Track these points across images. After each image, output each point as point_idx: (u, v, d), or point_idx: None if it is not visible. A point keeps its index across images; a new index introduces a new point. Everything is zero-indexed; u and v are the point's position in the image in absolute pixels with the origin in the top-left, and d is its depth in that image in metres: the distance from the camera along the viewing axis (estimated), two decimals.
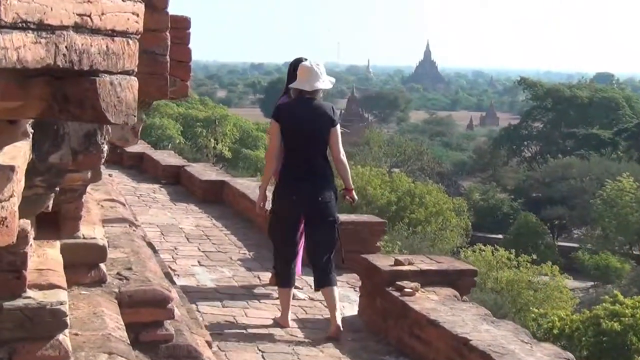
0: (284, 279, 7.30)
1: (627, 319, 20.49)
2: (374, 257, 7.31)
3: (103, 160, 3.13)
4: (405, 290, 6.62)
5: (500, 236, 50.89)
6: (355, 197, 7.61)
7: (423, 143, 74.78)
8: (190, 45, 5.68)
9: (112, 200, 6.93)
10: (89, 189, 7.23)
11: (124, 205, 7.11)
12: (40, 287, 3.08)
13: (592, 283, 44.64)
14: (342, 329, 6.93)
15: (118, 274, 4.40)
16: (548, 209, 55.78)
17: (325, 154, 7.16)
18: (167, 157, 16.08)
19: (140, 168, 16.29)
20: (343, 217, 9.28)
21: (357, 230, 8.96)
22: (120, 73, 2.18)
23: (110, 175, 11.71)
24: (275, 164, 7.24)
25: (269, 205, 7.54)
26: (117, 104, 2.06)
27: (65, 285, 3.23)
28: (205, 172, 13.93)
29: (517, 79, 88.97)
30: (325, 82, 7.22)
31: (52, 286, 3.11)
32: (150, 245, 7.29)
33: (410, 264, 7.06)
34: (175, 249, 9.43)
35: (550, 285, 36.03)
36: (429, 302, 6.49)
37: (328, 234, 7.19)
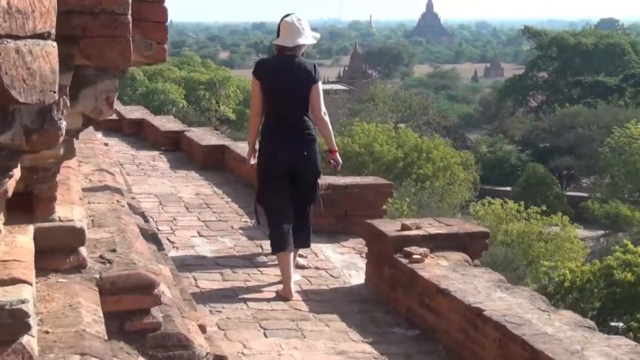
0: (277, 243, 7.00)
1: (639, 268, 20.21)
2: (379, 222, 6.95)
3: (62, 137, 2.76)
4: (414, 256, 6.27)
5: (508, 188, 50.57)
6: (339, 159, 7.30)
7: (428, 97, 74.23)
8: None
9: (102, 171, 6.58)
10: (76, 162, 6.90)
11: (114, 176, 6.75)
12: (1, 282, 2.73)
13: (603, 232, 44.37)
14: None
15: (101, 256, 4.05)
16: (556, 159, 55.57)
17: (307, 111, 6.96)
18: (167, 123, 15.68)
19: (141, 135, 15.95)
20: (347, 179, 8.95)
21: (362, 193, 8.62)
22: (31, 37, 1.80)
23: (106, 144, 11.36)
24: (257, 121, 7.14)
25: None
26: (27, 77, 1.68)
27: (31, 278, 2.87)
28: (205, 136, 13.53)
29: (521, 28, 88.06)
30: (307, 38, 7.03)
31: (15, 281, 2.75)
32: (143, 217, 6.95)
33: (418, 228, 6.70)
34: (174, 219, 9.07)
35: (560, 236, 35.93)
36: (439, 268, 6.13)
37: (312, 188, 7.14)
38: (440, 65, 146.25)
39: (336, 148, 7.18)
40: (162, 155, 13.59)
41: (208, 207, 9.80)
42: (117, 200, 5.46)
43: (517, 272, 32.66)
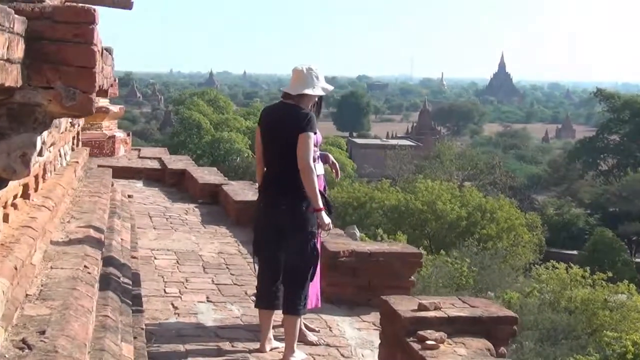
0: (258, 298, 6.68)
1: None
2: (395, 299, 6.18)
3: None
4: (427, 342, 5.50)
5: (575, 252, 49.53)
6: (325, 220, 6.46)
7: (496, 156, 73.07)
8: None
9: (90, 228, 5.98)
10: (69, 216, 6.33)
11: (102, 234, 6.14)
12: None
13: None
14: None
15: (23, 340, 3.41)
16: (625, 224, 54.12)
17: (295, 162, 6.32)
18: (207, 175, 15.12)
19: (182, 186, 15.47)
20: (373, 246, 8.23)
21: (388, 262, 7.87)
22: None
23: (130, 196, 10.83)
24: (260, 167, 6.78)
25: None
26: None
27: None
28: (242, 191, 12.92)
29: (594, 90, 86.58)
30: (315, 89, 6.51)
31: None
32: (134, 279, 6.32)
33: (437, 308, 5.93)
34: (187, 281, 8.42)
35: (627, 305, 34.75)
36: (454, 358, 5.36)
37: (298, 249, 6.42)
38: (510, 124, 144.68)
39: (320, 206, 6.37)
40: (196, 209, 13.04)
41: (227, 267, 9.16)
42: (85, 266, 4.83)
43: (579, 341, 31.44)
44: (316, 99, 6.66)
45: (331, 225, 6.53)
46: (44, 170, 6.15)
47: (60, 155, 7.70)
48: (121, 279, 5.97)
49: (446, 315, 5.85)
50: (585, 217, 58.54)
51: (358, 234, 19.73)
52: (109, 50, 6.05)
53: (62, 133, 7.12)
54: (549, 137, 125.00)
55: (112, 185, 9.99)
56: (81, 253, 5.11)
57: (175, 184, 15.67)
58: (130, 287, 6.04)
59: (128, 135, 19.96)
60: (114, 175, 16.50)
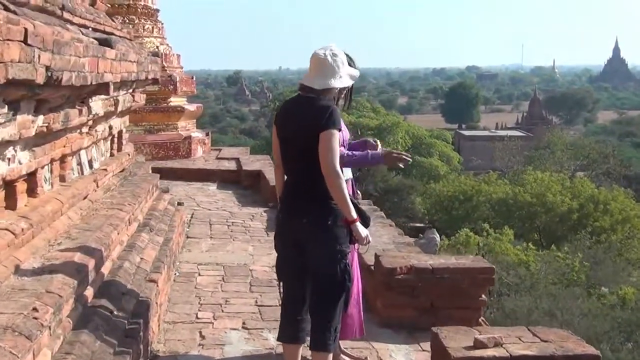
0: (280, 330, 5.61)
1: None
2: (447, 332, 5.01)
3: None
4: None
5: None
6: (362, 233, 5.27)
7: (610, 145, 70.40)
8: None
9: (76, 252, 5.01)
10: (64, 236, 5.38)
11: (92, 260, 5.15)
12: None
13: None
14: None
15: None
16: None
17: (316, 165, 5.16)
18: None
19: (257, 188, 14.54)
20: (436, 260, 7.05)
21: (454, 279, 6.68)
22: None
23: (180, 203, 9.91)
24: (279, 173, 5.66)
25: None
26: None
27: None
28: None
29: None
30: (340, 79, 5.34)
31: None
32: (129, 319, 5.33)
33: (497, 345, 4.76)
34: (226, 302, 7.36)
35: None
36: None
37: (325, 272, 5.28)
38: (626, 111, 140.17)
39: (354, 216, 5.21)
40: (265, 214, 12.07)
41: (277, 285, 8.11)
42: (34, 308, 3.85)
43: None
44: (342, 89, 5.55)
45: (370, 238, 5.33)
46: (32, 182, 5.22)
47: (79, 163, 6.79)
48: (115, 312, 4.98)
49: (508, 355, 4.67)
50: None
51: (438, 239, 18.53)
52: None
53: (73, 135, 6.21)
54: None
55: (154, 191, 9.05)
56: (41, 289, 4.13)
57: (250, 186, 14.79)
58: (126, 321, 5.04)
59: (207, 135, 19.11)
60: (188, 178, 15.82)
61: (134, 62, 7.13)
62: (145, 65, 7.95)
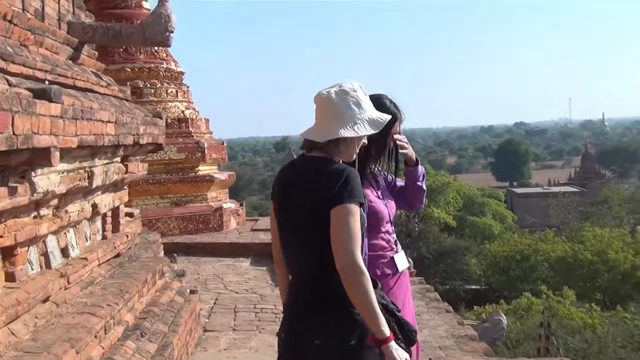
0: None
1: None
2: None
3: None
4: None
5: None
6: (399, 356, 3.46)
7: None
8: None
9: None
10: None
11: None
12: None
13: None
14: None
15: None
16: None
17: (328, 258, 3.44)
18: None
19: None
20: None
21: None
22: None
23: (192, 292, 8.34)
24: (280, 269, 3.95)
25: None
26: None
27: None
28: None
29: None
30: (349, 127, 3.60)
31: None
32: None
33: None
34: None
35: None
36: None
37: None
38: None
39: (385, 334, 3.42)
40: None
41: None
42: None
43: None
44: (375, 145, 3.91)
45: None
46: None
47: (44, 254, 5.24)
48: None
49: None
50: None
51: (505, 321, 16.67)
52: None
53: (19, 221, 4.67)
54: None
55: (158, 278, 7.45)
56: None
57: None
58: None
59: (241, 205, 17.59)
60: (220, 253, 14.29)
61: (108, 122, 5.57)
62: (132, 128, 6.40)
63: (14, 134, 3.78)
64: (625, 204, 60.85)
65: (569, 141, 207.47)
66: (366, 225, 3.82)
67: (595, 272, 41.61)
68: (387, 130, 4.20)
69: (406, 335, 3.63)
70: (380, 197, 4.37)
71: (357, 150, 3.71)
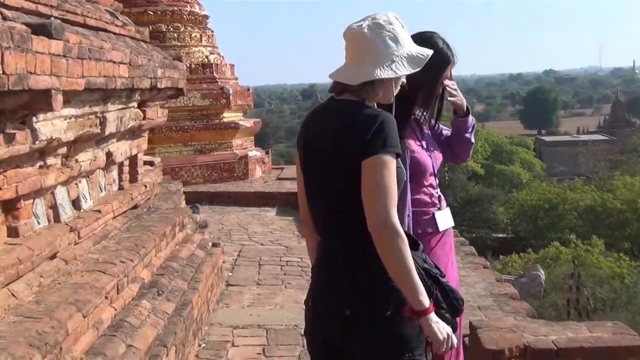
0: None
1: None
2: None
3: None
4: None
5: None
6: (439, 332, 3.00)
7: None
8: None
9: None
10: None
11: None
12: None
13: None
14: None
15: None
16: None
17: (357, 218, 2.98)
18: None
19: None
20: (563, 334, 4.86)
21: None
22: None
23: (215, 245, 7.93)
24: (309, 235, 3.43)
25: None
26: None
27: None
28: None
29: None
30: (387, 67, 3.08)
31: None
32: None
33: None
34: None
35: None
36: None
37: None
38: None
39: (424, 304, 2.96)
40: None
41: None
42: None
43: None
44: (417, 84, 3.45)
45: (454, 340, 3.06)
46: None
47: (52, 206, 4.83)
48: None
49: None
50: None
51: (542, 276, 16.16)
52: None
53: (20, 172, 4.25)
54: None
55: (179, 231, 7.03)
56: None
57: None
58: None
59: (267, 153, 17.12)
60: (244, 202, 13.89)
61: (121, 63, 5.10)
62: (148, 70, 5.93)
63: (4, 73, 3.32)
64: None
65: (599, 89, 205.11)
66: (407, 179, 3.37)
67: (625, 221, 41.34)
68: (438, 75, 3.75)
69: (452, 305, 3.18)
70: (424, 147, 3.91)
71: (395, 93, 3.23)
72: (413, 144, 3.84)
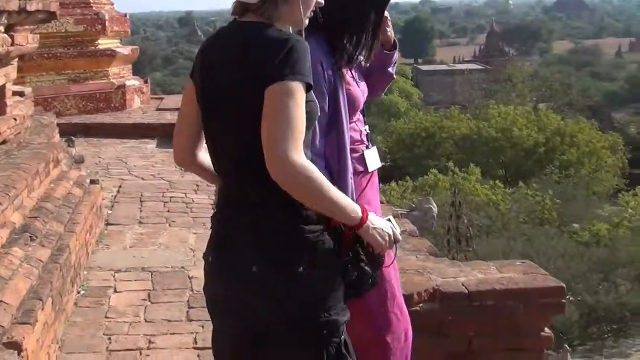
0: None
1: None
2: None
3: None
4: None
5: None
6: (381, 231, 2.70)
7: (571, 75, 69.22)
8: None
9: None
10: None
11: None
12: None
13: None
14: None
15: None
16: None
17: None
18: None
19: None
20: (472, 274, 4.58)
21: (502, 307, 4.26)
22: None
23: (93, 182, 7.39)
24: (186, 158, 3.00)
25: None
26: None
27: None
28: None
29: None
30: None
31: None
32: None
33: None
34: (150, 343, 4.89)
35: None
36: None
37: None
38: (581, 41, 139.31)
39: (358, 216, 2.63)
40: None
41: None
42: None
43: None
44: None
45: (397, 234, 2.79)
46: None
47: None
48: None
49: None
50: None
51: (435, 209, 16.09)
52: None
53: None
54: (622, 52, 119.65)
55: (53, 168, 6.48)
56: None
57: None
58: None
59: (145, 82, 16.43)
60: (122, 134, 13.29)
61: None
62: None
63: None
64: (528, 81, 61.52)
65: (474, 19, 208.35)
66: (344, 128, 3.02)
67: (499, 149, 42.67)
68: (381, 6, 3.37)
69: (372, 256, 2.81)
70: (355, 78, 3.51)
71: (309, 14, 2.80)
72: (345, 74, 3.43)
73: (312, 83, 2.57)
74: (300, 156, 2.48)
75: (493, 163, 42.78)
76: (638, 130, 57.44)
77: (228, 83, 2.63)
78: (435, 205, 16.21)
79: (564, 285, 4.37)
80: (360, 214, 2.64)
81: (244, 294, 2.69)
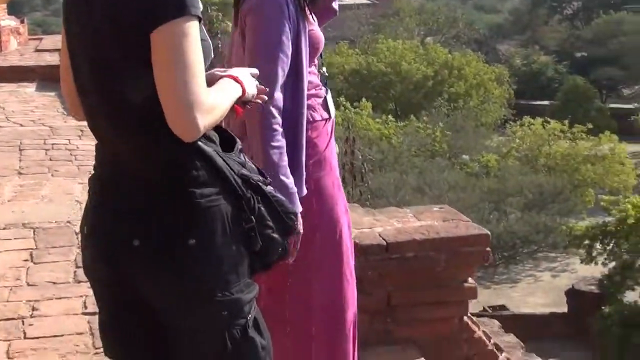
0: None
1: None
2: None
3: None
4: None
5: (546, 102, 49.18)
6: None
7: (457, 8, 70.14)
8: None
9: None
10: None
11: None
12: None
13: None
14: None
15: None
16: (597, 70, 53.65)
17: (148, 112, 2.10)
18: None
19: None
20: (390, 222, 4.21)
21: (423, 258, 3.91)
22: None
23: None
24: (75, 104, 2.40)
25: None
26: None
27: None
28: None
29: None
30: None
31: None
32: None
33: None
34: (33, 311, 4.41)
35: (609, 157, 34.16)
36: None
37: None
38: None
39: (239, 90, 2.28)
40: None
41: None
42: None
43: (567, 204, 30.16)
44: None
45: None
46: None
47: None
48: None
49: None
50: (553, 66, 57.32)
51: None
52: None
53: None
54: None
55: None
56: None
57: None
58: None
59: (22, 22, 15.63)
60: None
61: None
62: None
63: None
64: (416, 15, 61.72)
65: None
66: (302, 82, 2.66)
67: (389, 83, 43.43)
68: None
69: (281, 221, 2.37)
70: (314, 18, 3.11)
71: None
72: (308, 16, 3.02)
73: (200, 16, 2.10)
74: (206, 117, 2.08)
75: (383, 97, 43.27)
76: (523, 62, 58.51)
77: (101, 25, 2.14)
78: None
79: (488, 232, 4.03)
80: (236, 82, 2.31)
81: (126, 270, 2.24)
